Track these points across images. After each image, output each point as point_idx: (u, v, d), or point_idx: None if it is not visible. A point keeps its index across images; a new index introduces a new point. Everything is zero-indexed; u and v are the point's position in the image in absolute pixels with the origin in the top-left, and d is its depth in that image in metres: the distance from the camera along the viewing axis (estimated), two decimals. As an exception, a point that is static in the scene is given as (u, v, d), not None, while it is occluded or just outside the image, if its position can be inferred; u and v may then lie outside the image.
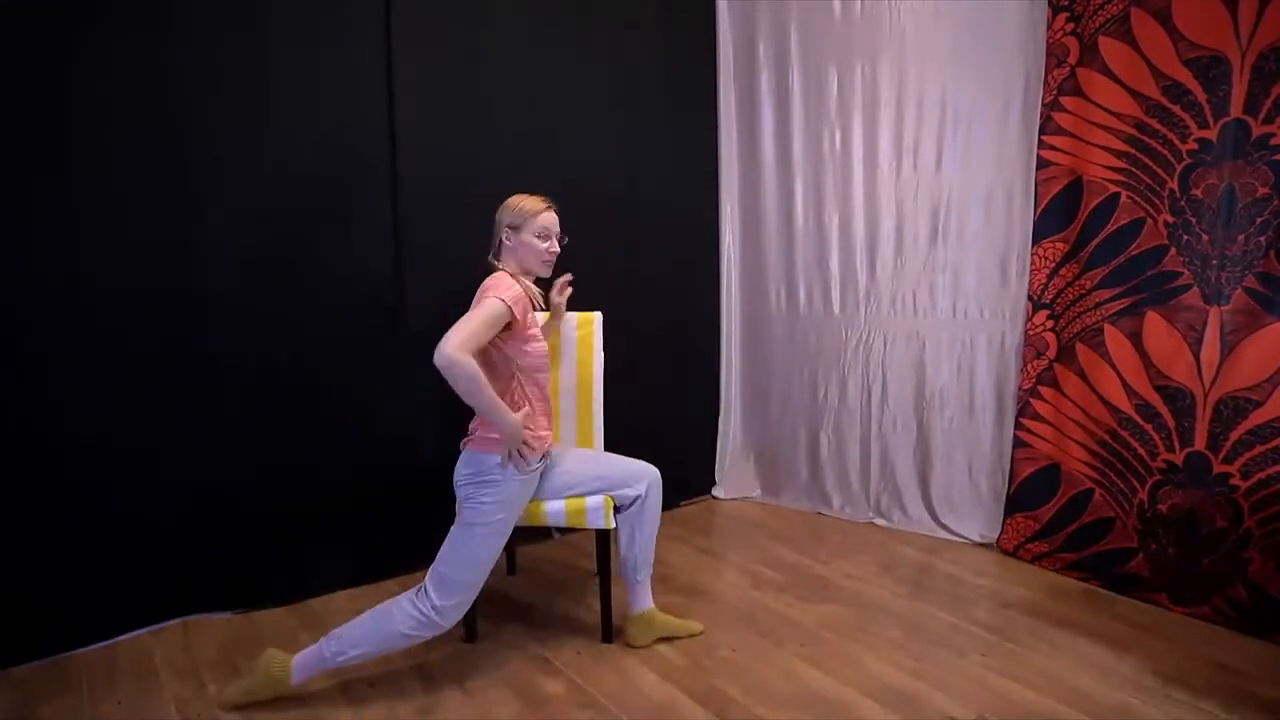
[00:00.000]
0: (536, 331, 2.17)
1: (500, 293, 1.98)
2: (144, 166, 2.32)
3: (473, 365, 1.90)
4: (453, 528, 2.08)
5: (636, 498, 2.29)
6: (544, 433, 2.19)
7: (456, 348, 1.87)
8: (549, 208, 2.18)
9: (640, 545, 2.31)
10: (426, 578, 2.04)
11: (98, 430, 2.32)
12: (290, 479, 2.63)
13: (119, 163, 2.29)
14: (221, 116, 2.42)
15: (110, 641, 2.39)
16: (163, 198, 2.36)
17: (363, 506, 2.77)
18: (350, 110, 2.65)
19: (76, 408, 2.29)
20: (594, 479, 2.29)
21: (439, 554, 2.06)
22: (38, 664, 2.26)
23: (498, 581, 2.83)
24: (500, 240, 2.17)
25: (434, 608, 2.00)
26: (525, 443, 2.06)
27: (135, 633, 2.43)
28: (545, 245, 2.16)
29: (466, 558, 2.05)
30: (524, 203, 2.16)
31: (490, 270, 2.15)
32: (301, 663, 2.03)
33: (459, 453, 2.15)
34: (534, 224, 2.14)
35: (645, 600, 2.37)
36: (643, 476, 2.31)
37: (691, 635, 2.41)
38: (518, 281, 2.09)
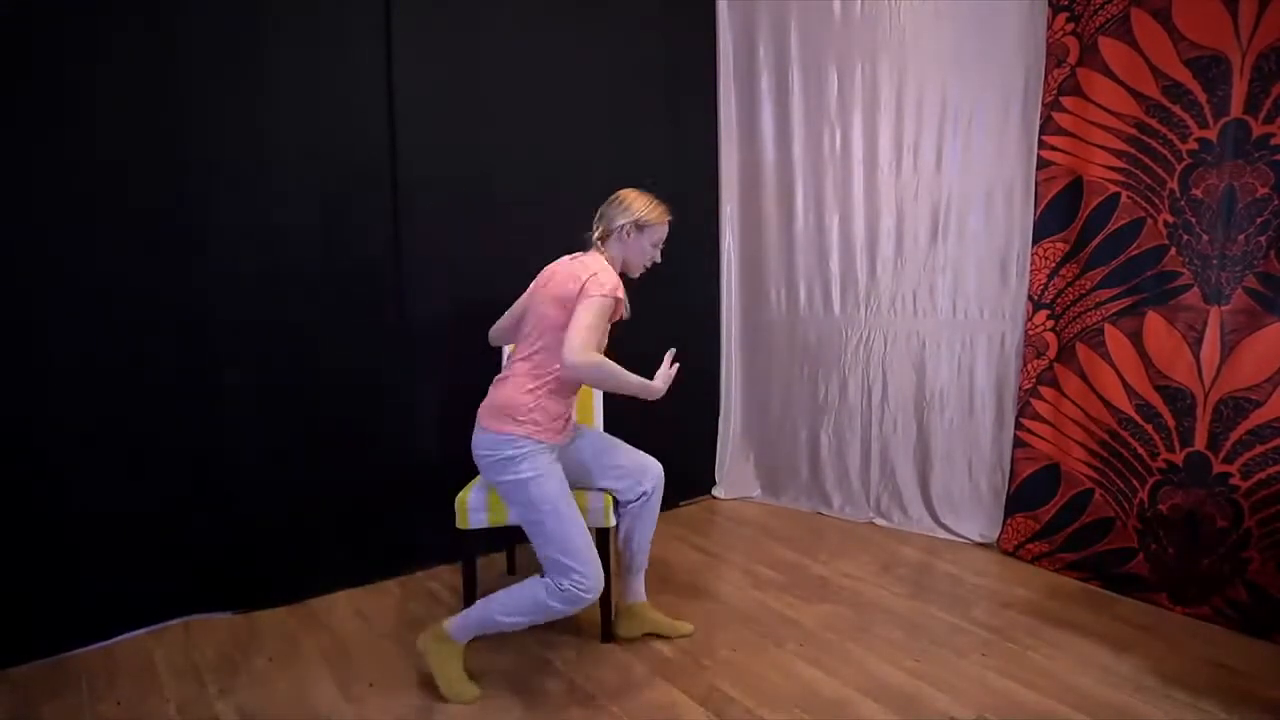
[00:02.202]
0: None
1: (611, 289, 1.98)
2: (142, 165, 2.32)
3: (598, 359, 1.94)
4: (520, 518, 2.07)
5: (643, 494, 2.31)
6: (570, 414, 2.20)
7: (582, 352, 1.90)
8: (670, 220, 2.21)
9: (639, 539, 2.34)
10: (545, 568, 2.02)
11: (98, 430, 2.32)
12: (291, 479, 2.63)
13: (117, 161, 2.29)
14: (220, 114, 2.42)
15: (110, 641, 2.39)
16: (161, 197, 2.36)
17: (363, 506, 2.77)
18: (350, 107, 2.65)
19: (76, 407, 2.29)
20: (611, 469, 2.30)
21: (534, 543, 2.04)
22: (38, 664, 2.26)
23: (498, 581, 2.83)
24: (617, 230, 2.13)
25: (574, 584, 1.97)
26: (652, 385, 2.04)
27: (135, 633, 2.44)
28: (653, 253, 2.21)
29: (556, 536, 1.99)
30: (655, 208, 2.16)
31: (584, 245, 2.16)
32: (461, 624, 2.08)
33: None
34: (657, 232, 2.18)
35: (641, 592, 2.39)
36: (651, 471, 2.34)
37: (681, 636, 2.41)
38: (614, 271, 2.09)
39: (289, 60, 2.52)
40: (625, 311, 2.08)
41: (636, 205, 2.14)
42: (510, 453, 2.01)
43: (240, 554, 2.57)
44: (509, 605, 2.04)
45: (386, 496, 2.81)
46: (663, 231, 2.19)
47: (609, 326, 2.07)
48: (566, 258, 2.17)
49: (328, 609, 2.63)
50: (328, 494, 2.70)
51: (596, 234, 2.16)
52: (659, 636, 2.40)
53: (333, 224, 2.65)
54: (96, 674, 2.22)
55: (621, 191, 2.17)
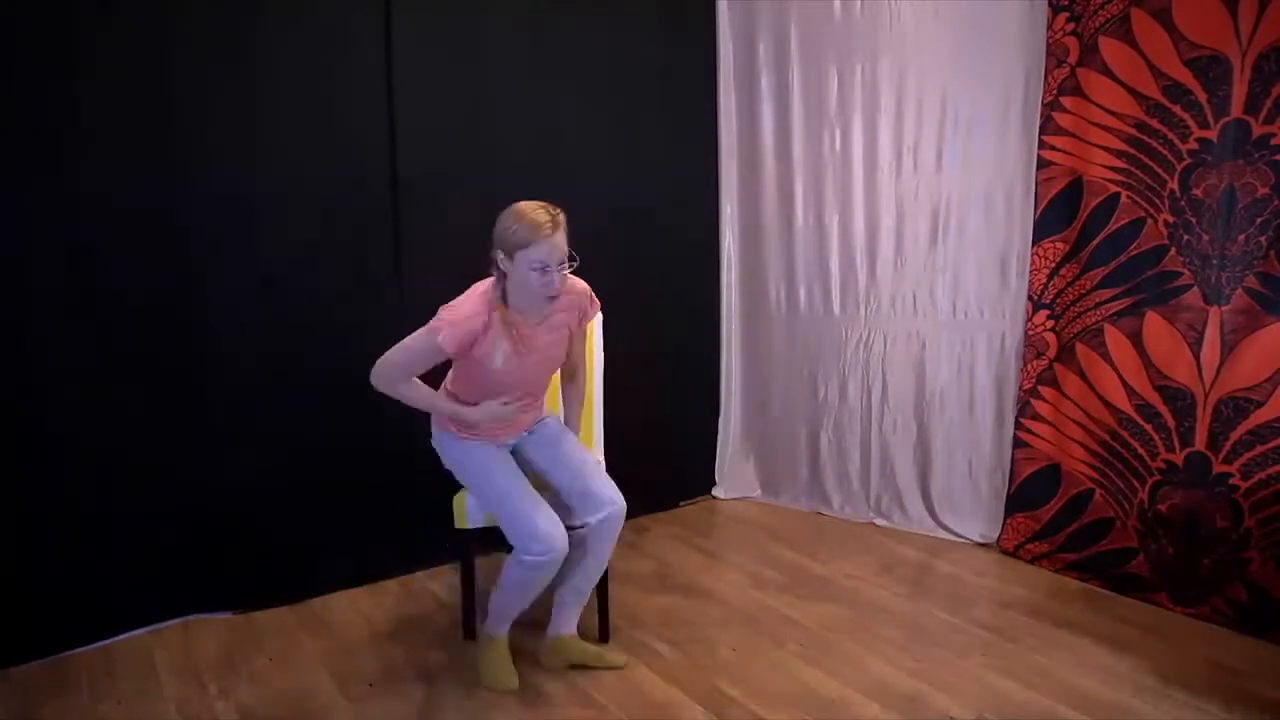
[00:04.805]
0: (497, 354, 1.96)
1: (443, 321, 1.89)
2: (138, 162, 2.32)
3: (390, 384, 2.01)
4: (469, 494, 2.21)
5: (582, 526, 2.12)
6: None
7: (375, 374, 2.00)
8: (547, 236, 1.82)
9: (582, 574, 2.17)
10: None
11: (98, 430, 2.32)
12: (290, 479, 2.63)
13: (114, 160, 2.29)
14: (217, 112, 2.42)
15: (110, 641, 2.39)
16: (157, 196, 2.36)
17: (363, 506, 2.77)
18: (350, 105, 2.65)
19: (76, 408, 2.29)
20: (559, 483, 2.18)
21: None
22: (38, 664, 2.26)
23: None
24: (494, 261, 1.92)
25: (524, 551, 2.00)
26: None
27: (135, 633, 2.44)
28: (541, 280, 1.85)
29: (494, 507, 2.10)
30: (517, 227, 1.83)
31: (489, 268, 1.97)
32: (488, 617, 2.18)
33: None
34: (526, 256, 1.83)
35: (568, 625, 2.24)
36: (600, 507, 2.10)
37: (611, 668, 2.22)
38: (487, 305, 1.92)
39: (287, 57, 2.52)
40: (486, 351, 1.94)
41: (499, 226, 1.88)
42: (441, 449, 2.20)
43: (240, 554, 2.57)
44: (500, 584, 2.12)
45: (386, 496, 2.81)
46: (537, 254, 1.82)
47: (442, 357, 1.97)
48: None
49: (328, 609, 2.63)
50: (327, 494, 2.70)
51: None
52: (584, 668, 2.22)
53: (332, 224, 2.65)
54: (96, 674, 2.22)
55: (508, 209, 1.90)
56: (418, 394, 2.07)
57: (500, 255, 1.89)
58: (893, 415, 3.35)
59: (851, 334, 3.43)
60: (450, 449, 2.18)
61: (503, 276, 1.93)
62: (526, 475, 2.16)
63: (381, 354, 2.72)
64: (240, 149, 2.46)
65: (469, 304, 1.96)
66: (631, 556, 3.03)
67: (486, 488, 2.13)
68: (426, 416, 2.77)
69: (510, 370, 2.02)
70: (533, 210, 1.86)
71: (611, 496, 2.13)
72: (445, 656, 2.31)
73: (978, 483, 3.18)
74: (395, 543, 2.85)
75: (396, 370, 1.99)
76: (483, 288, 1.99)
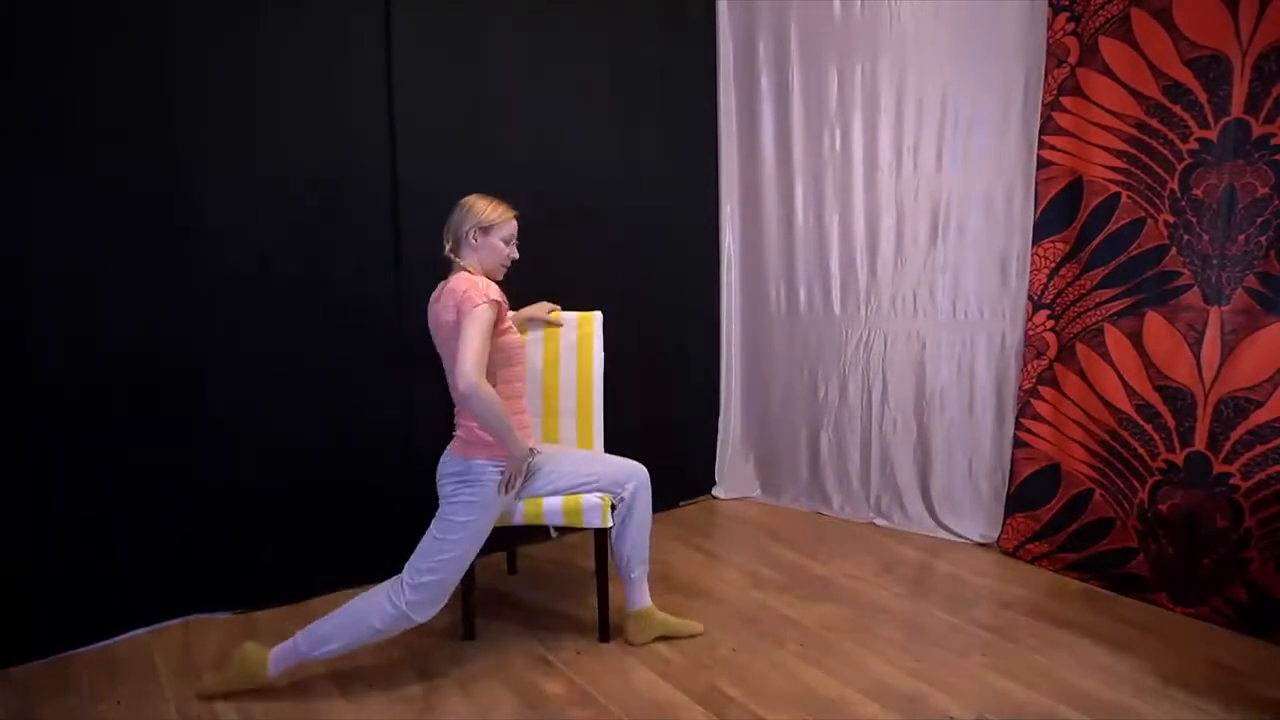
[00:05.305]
0: (508, 324, 2.18)
1: (481, 296, 2.02)
2: (137, 164, 2.32)
3: (491, 391, 2.00)
4: (431, 526, 2.13)
5: (622, 498, 2.31)
6: (526, 429, 2.23)
7: (475, 373, 1.96)
8: (516, 215, 2.22)
9: (632, 543, 2.32)
10: (404, 573, 2.08)
11: (98, 430, 2.32)
12: (290, 479, 2.63)
13: (114, 160, 2.28)
14: (216, 116, 2.42)
15: (110, 641, 2.39)
16: (161, 196, 2.36)
17: (363, 506, 2.77)
18: (350, 111, 2.65)
19: (76, 408, 2.29)
20: (583, 477, 2.30)
21: (417, 550, 2.11)
22: (38, 664, 2.26)
23: (498, 581, 2.84)
24: (464, 238, 2.16)
25: (408, 603, 2.04)
26: (520, 473, 2.16)
27: (135, 633, 2.44)
28: (508, 250, 2.21)
29: (443, 557, 2.08)
30: (494, 207, 2.18)
31: (448, 265, 2.17)
32: (278, 655, 2.07)
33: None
34: (504, 229, 2.19)
35: (642, 598, 2.38)
36: (630, 477, 2.32)
37: (691, 635, 2.41)
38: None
39: (287, 57, 2.52)
40: (504, 315, 2.12)
41: (477, 208, 2.17)
42: (469, 476, 2.11)
43: (240, 554, 2.57)
44: (361, 615, 2.06)
45: (386, 497, 2.81)
46: (511, 228, 2.21)
47: (503, 331, 2.13)
48: (436, 292, 2.19)
49: (328, 609, 2.59)
50: (327, 494, 2.70)
51: (448, 249, 2.18)
52: (668, 638, 2.39)
53: (332, 225, 2.65)
54: (96, 674, 2.22)
55: (462, 199, 2.19)
56: (501, 410, 2.04)
57: (474, 233, 2.15)
58: (893, 415, 3.35)
59: (851, 334, 3.43)
60: (483, 490, 2.11)
61: (469, 253, 2.17)
62: (548, 489, 2.30)
63: (383, 354, 2.76)
64: (240, 149, 2.47)
65: (472, 283, 2.07)
66: (631, 556, 3.03)
67: (465, 543, 2.10)
68: (426, 416, 2.78)
69: (517, 338, 2.22)
70: (490, 197, 2.20)
71: (631, 465, 2.35)
72: (445, 656, 2.31)
73: (978, 483, 3.18)
74: (395, 543, 2.84)
75: (479, 359, 1.98)
76: (460, 279, 2.10)
